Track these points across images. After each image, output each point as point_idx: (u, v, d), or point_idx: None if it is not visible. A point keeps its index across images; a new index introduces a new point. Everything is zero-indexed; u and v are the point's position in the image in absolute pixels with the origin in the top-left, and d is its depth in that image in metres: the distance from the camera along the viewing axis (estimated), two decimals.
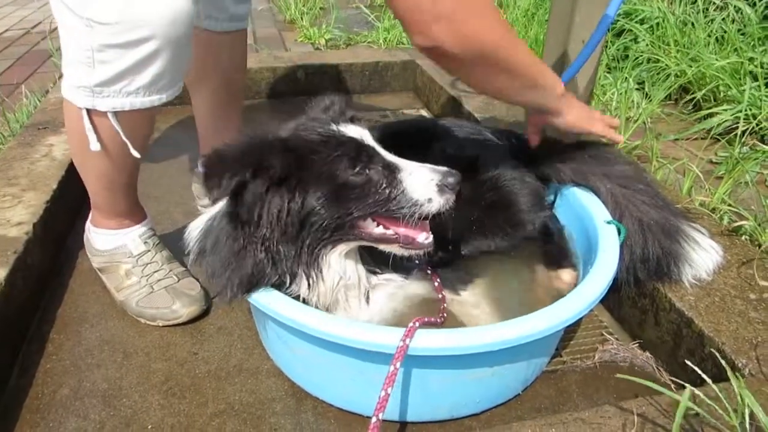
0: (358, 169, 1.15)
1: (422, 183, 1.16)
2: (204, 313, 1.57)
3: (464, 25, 1.14)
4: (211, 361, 1.44)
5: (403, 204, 1.16)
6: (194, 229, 1.35)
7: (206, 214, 1.35)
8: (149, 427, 1.27)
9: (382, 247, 1.23)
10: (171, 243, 1.70)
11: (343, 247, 1.21)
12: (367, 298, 1.27)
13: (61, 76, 2.90)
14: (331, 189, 1.14)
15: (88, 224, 1.64)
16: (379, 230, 1.20)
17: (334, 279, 1.21)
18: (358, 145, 1.18)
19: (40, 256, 1.65)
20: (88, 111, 1.31)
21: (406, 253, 1.23)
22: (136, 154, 1.39)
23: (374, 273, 1.29)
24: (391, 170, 1.18)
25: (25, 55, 3.60)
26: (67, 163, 1.98)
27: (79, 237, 1.69)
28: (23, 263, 1.53)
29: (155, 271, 1.58)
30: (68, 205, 1.92)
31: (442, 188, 1.16)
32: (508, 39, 1.23)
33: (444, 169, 1.18)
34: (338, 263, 1.21)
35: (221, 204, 1.24)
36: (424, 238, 1.21)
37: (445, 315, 1.30)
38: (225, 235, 1.19)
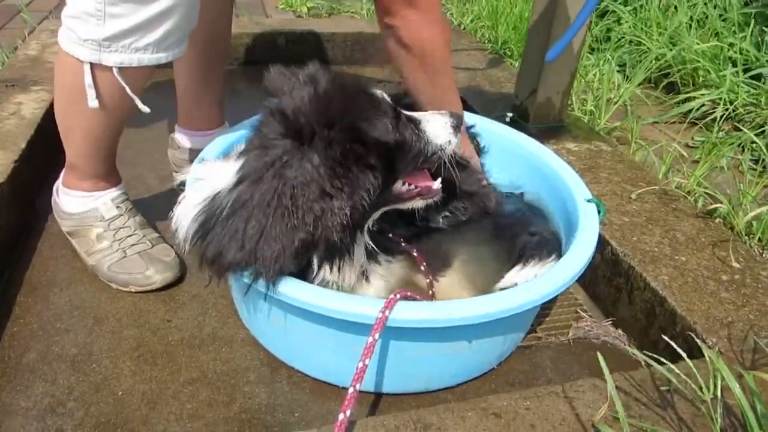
0: (398, 129, 1.15)
1: (441, 128, 1.22)
2: (178, 280, 1.54)
3: (429, 21, 1.35)
4: (185, 328, 1.42)
5: (431, 152, 1.21)
6: (184, 216, 1.17)
7: (195, 195, 1.17)
8: (120, 393, 1.25)
9: (409, 204, 1.25)
10: (145, 208, 1.66)
11: (371, 220, 1.21)
12: (367, 277, 1.25)
13: (31, 32, 2.81)
14: (384, 153, 1.12)
15: (57, 186, 1.59)
16: (406, 187, 1.23)
17: (360, 256, 1.20)
18: (388, 104, 1.17)
19: (7, 218, 1.59)
20: (92, 66, 1.27)
21: (423, 203, 1.27)
22: (145, 108, 1.37)
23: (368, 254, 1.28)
24: (415, 124, 1.20)
25: None
26: (36, 122, 1.90)
27: (49, 199, 1.64)
28: None
29: (128, 236, 1.54)
30: (37, 166, 1.85)
31: (455, 129, 1.23)
32: (448, 51, 1.47)
33: (447, 111, 1.26)
34: (366, 238, 1.21)
35: (227, 173, 1.13)
36: (437, 184, 1.27)
37: (433, 298, 1.30)
38: (270, 207, 1.05)
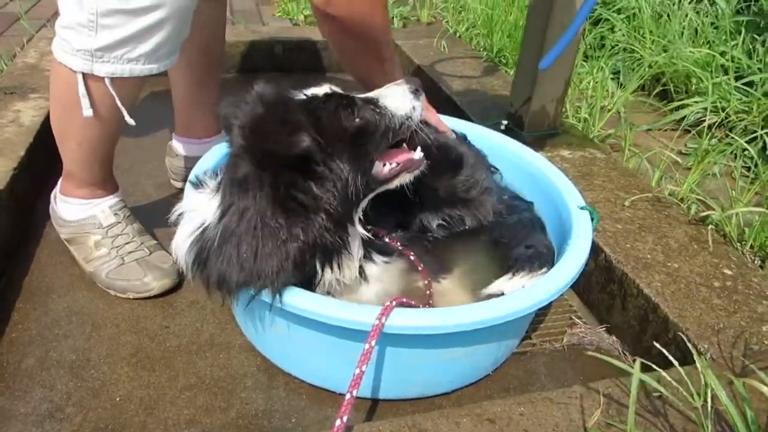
0: (355, 114, 1.16)
1: (401, 98, 1.22)
2: (176, 287, 1.55)
3: (357, 9, 1.33)
4: (182, 335, 1.43)
5: (398, 124, 1.21)
6: (180, 246, 1.20)
7: (187, 226, 1.20)
8: (117, 398, 1.26)
9: (395, 182, 1.26)
10: (142, 216, 1.67)
11: (361, 208, 1.22)
12: (365, 278, 1.26)
13: (29, 40, 2.82)
14: (347, 145, 1.13)
15: (55, 194, 1.60)
16: (387, 168, 1.23)
17: (357, 248, 1.21)
18: (338, 96, 1.18)
19: (6, 224, 1.60)
20: (84, 76, 1.29)
21: (412, 176, 1.27)
22: (131, 121, 1.38)
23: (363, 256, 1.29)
24: (373, 103, 1.21)
25: None
26: (35, 129, 1.92)
27: (47, 206, 1.65)
28: None
29: (126, 243, 1.55)
30: (36, 173, 1.86)
31: (415, 93, 1.23)
32: (386, 26, 1.45)
33: (401, 80, 1.26)
34: (359, 227, 1.22)
35: (210, 208, 1.16)
36: (418, 154, 1.27)
37: (431, 302, 1.31)
38: (258, 230, 1.08)
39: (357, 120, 1.16)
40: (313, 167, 1.09)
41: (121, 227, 1.56)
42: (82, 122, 1.36)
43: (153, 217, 1.70)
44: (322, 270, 1.14)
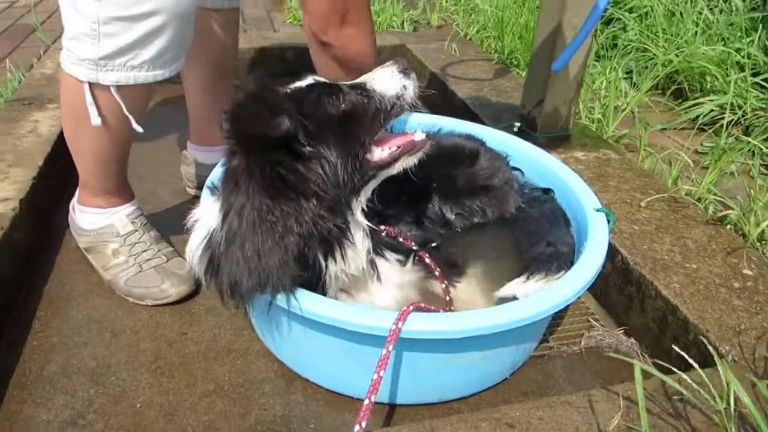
0: (340, 100, 1.16)
1: (388, 79, 1.23)
2: (193, 294, 1.56)
3: (363, 34, 1.45)
4: (200, 341, 1.44)
5: (389, 105, 1.21)
6: (193, 255, 1.22)
7: (196, 234, 1.22)
8: (138, 405, 1.27)
9: (397, 167, 1.24)
10: (159, 223, 1.69)
11: (363, 197, 1.21)
12: (378, 277, 1.26)
13: (46, 51, 2.86)
14: (335, 130, 1.14)
15: (73, 204, 1.62)
16: (386, 152, 1.23)
17: (362, 239, 1.20)
18: (322, 84, 1.19)
19: (26, 233, 1.63)
20: (91, 85, 1.31)
21: (415, 159, 1.26)
22: (138, 128, 1.39)
23: (376, 254, 1.29)
24: (360, 88, 1.21)
25: (9, 29, 3.51)
26: (53, 139, 1.95)
27: (66, 214, 1.67)
28: (9, 240, 1.51)
29: (143, 251, 1.56)
30: (55, 182, 1.89)
31: (404, 73, 1.23)
32: (374, 54, 1.52)
33: (389, 62, 1.26)
34: (363, 219, 1.21)
35: (215, 212, 1.17)
36: (420, 136, 1.27)
37: (452, 307, 1.31)
38: (257, 227, 1.08)
39: (343, 106, 1.16)
40: (299, 149, 1.09)
41: (139, 235, 1.57)
42: (92, 131, 1.38)
43: (169, 224, 1.72)
44: (326, 261, 1.14)
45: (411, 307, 1.10)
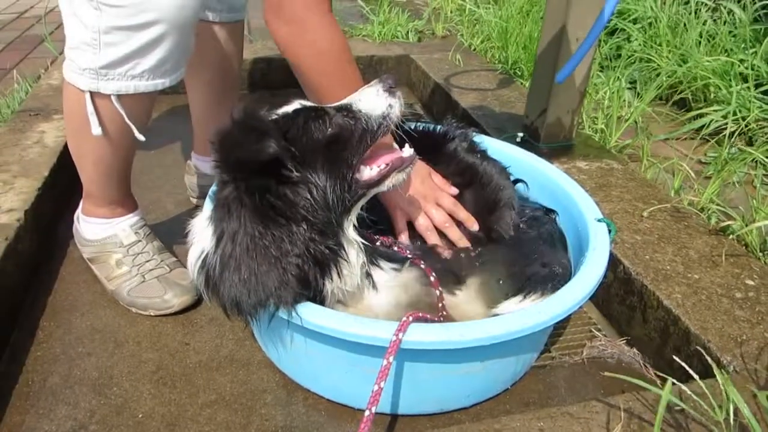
0: (327, 124, 1.17)
1: (374, 98, 1.22)
2: (195, 304, 1.57)
3: (301, 34, 1.29)
4: (203, 351, 1.44)
5: (376, 125, 1.20)
6: (192, 269, 1.22)
7: (193, 251, 1.22)
8: (140, 415, 1.27)
9: (387, 184, 1.25)
10: (163, 233, 1.70)
11: (354, 215, 1.22)
12: (374, 286, 1.26)
13: (53, 62, 2.89)
14: (323, 154, 1.14)
15: (77, 214, 1.64)
16: (374, 171, 1.23)
17: (356, 255, 1.20)
18: (308, 109, 1.20)
19: (30, 244, 1.64)
20: (92, 94, 1.32)
21: (405, 175, 1.27)
22: (140, 137, 1.40)
23: (371, 263, 1.30)
24: (346, 110, 1.21)
25: (17, 40, 3.56)
26: (58, 150, 1.97)
27: (71, 225, 1.69)
28: (14, 250, 1.52)
29: (147, 261, 1.57)
30: (60, 193, 1.91)
31: (389, 92, 1.22)
32: (334, 77, 1.33)
33: (376, 80, 1.24)
34: (355, 235, 1.21)
35: (206, 236, 1.18)
36: (407, 151, 1.28)
37: (444, 313, 1.30)
38: (251, 251, 1.10)
39: (329, 129, 1.17)
40: (286, 174, 1.10)
41: (142, 245, 1.58)
42: (94, 141, 1.39)
43: (173, 234, 1.73)
44: (323, 280, 1.15)
45: (411, 318, 1.10)
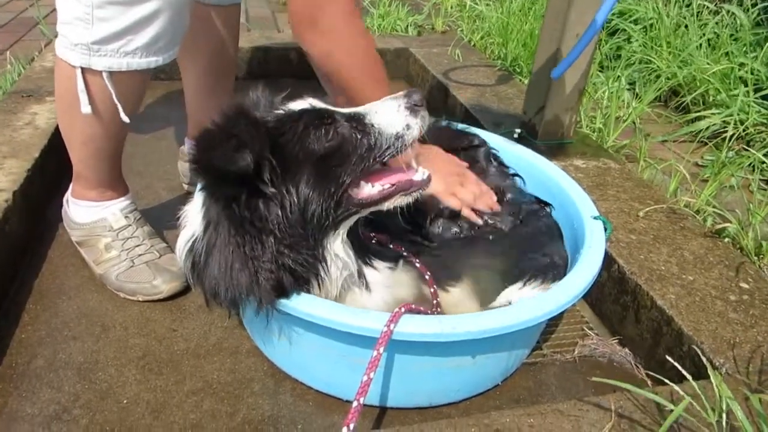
0: (329, 134, 1.09)
1: (392, 114, 1.12)
2: (184, 290, 1.55)
3: (337, 43, 1.29)
4: (190, 338, 1.43)
5: (385, 144, 1.10)
6: (179, 255, 1.20)
7: (182, 236, 1.20)
8: (124, 401, 1.25)
9: (386, 204, 1.17)
10: (154, 218, 1.68)
11: (344, 229, 1.15)
12: (367, 287, 1.23)
13: (47, 45, 2.86)
14: (313, 167, 1.08)
15: (67, 197, 1.61)
16: (376, 189, 1.15)
17: (339, 270, 1.15)
18: (315, 112, 1.12)
19: (19, 225, 1.61)
20: (83, 70, 1.30)
21: (410, 199, 1.18)
22: (125, 118, 1.37)
23: (365, 263, 1.28)
24: (357, 120, 1.13)
25: (11, 22, 3.51)
26: (50, 132, 1.94)
27: (59, 208, 1.66)
28: (1, 231, 1.50)
29: (136, 246, 1.55)
30: (50, 175, 1.88)
31: (412, 109, 1.12)
32: (365, 78, 1.33)
33: (403, 92, 1.14)
34: (341, 250, 1.15)
35: (198, 219, 1.15)
36: (421, 175, 1.18)
37: (439, 309, 1.29)
38: (228, 245, 1.07)
39: (328, 142, 1.08)
40: (260, 186, 1.05)
41: (132, 230, 1.56)
42: (84, 121, 1.37)
43: (164, 220, 1.71)
44: (300, 289, 1.11)
45: (403, 309, 1.08)
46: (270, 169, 1.04)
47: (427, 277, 1.34)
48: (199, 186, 1.28)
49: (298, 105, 1.15)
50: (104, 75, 1.30)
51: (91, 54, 1.27)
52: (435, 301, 1.31)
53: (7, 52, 2.68)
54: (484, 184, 1.50)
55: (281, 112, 1.13)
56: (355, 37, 1.32)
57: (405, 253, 1.35)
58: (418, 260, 1.35)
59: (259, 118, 1.10)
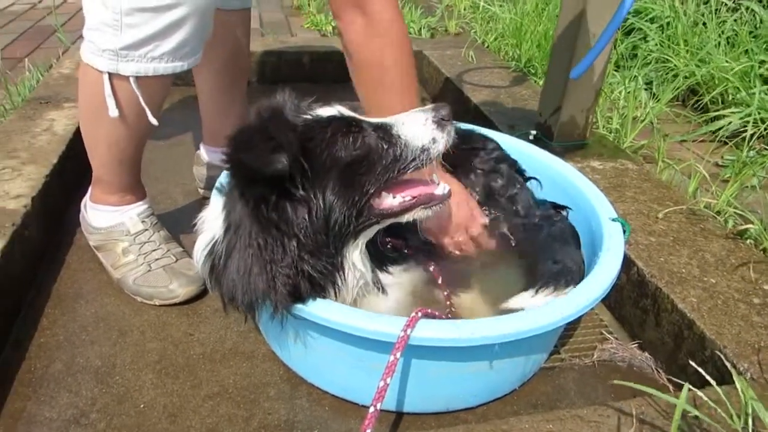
0: (356, 143, 1.09)
1: (419, 127, 1.13)
2: (201, 294, 1.55)
3: (376, 29, 1.27)
4: (206, 342, 1.43)
5: (410, 156, 1.11)
6: (198, 259, 1.21)
7: (201, 239, 1.21)
8: (141, 405, 1.26)
9: (406, 217, 1.17)
10: (170, 223, 1.68)
11: (363, 239, 1.15)
12: (383, 290, 1.23)
13: (65, 52, 2.89)
14: (339, 174, 1.08)
15: (85, 202, 1.63)
16: (397, 200, 1.15)
17: (356, 279, 1.15)
18: (343, 120, 1.12)
19: (37, 230, 1.63)
20: (110, 76, 1.31)
21: (430, 213, 1.18)
22: (154, 121, 1.39)
23: (380, 269, 1.27)
24: (385, 130, 1.13)
25: (30, 30, 3.56)
26: (68, 138, 1.96)
27: (77, 213, 1.67)
28: (21, 236, 1.51)
29: (153, 250, 1.56)
30: (68, 181, 1.90)
31: (439, 123, 1.13)
32: (400, 68, 1.31)
33: (431, 105, 1.15)
34: (359, 261, 1.15)
35: (218, 222, 1.15)
36: (442, 189, 1.19)
37: (453, 310, 1.27)
38: (248, 249, 1.07)
39: (355, 150, 1.09)
40: (291, 189, 1.05)
41: (149, 234, 1.57)
42: (109, 124, 1.38)
43: (180, 225, 1.71)
44: (316, 295, 1.10)
45: (419, 314, 1.07)
46: (302, 174, 1.05)
47: (439, 281, 1.33)
48: (217, 188, 1.28)
49: (326, 111, 1.15)
50: (131, 80, 1.31)
51: (119, 60, 1.29)
52: (448, 303, 1.30)
53: (26, 60, 2.71)
54: (482, 226, 1.45)
55: (309, 117, 1.13)
56: (396, 23, 1.29)
57: (418, 257, 1.34)
58: (432, 264, 1.34)
59: (295, 123, 1.10)
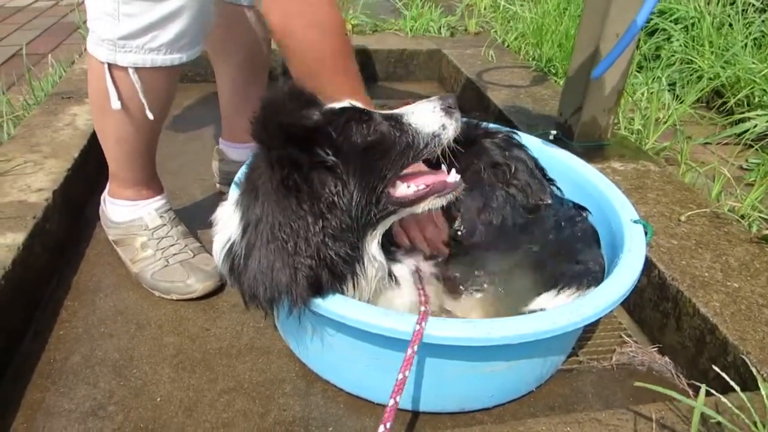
0: (369, 129, 1.11)
1: (428, 115, 1.15)
2: (218, 290, 1.56)
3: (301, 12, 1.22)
4: (223, 337, 1.43)
5: (423, 142, 1.13)
6: (217, 257, 1.21)
7: (219, 238, 1.21)
8: (158, 399, 1.26)
9: (422, 206, 1.18)
10: (188, 218, 1.69)
11: (381, 230, 1.16)
12: (397, 281, 1.22)
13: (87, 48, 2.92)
14: (358, 160, 1.09)
15: (104, 196, 1.64)
16: (412, 189, 1.16)
17: (375, 270, 1.15)
18: (356, 109, 1.14)
19: (58, 223, 1.65)
20: (110, 66, 1.32)
21: (444, 201, 1.19)
22: (150, 115, 1.38)
23: (392, 260, 1.26)
24: (395, 120, 1.15)
25: (53, 26, 3.61)
26: (89, 133, 1.98)
27: (97, 206, 1.69)
28: (42, 229, 1.53)
29: (171, 245, 1.57)
30: (89, 175, 1.92)
31: (447, 111, 1.15)
32: (330, 52, 1.29)
33: (436, 96, 1.18)
34: (378, 252, 1.15)
35: (233, 222, 1.15)
36: (454, 177, 1.20)
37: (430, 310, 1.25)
38: (271, 244, 1.07)
39: (370, 136, 1.10)
40: (322, 156, 1.05)
41: (167, 229, 1.58)
42: (115, 118, 1.39)
43: (198, 220, 1.72)
44: (336, 287, 1.10)
45: (429, 308, 1.07)
46: (331, 143, 1.06)
47: (420, 282, 1.29)
48: (236, 183, 1.28)
49: (338, 103, 1.16)
50: (130, 71, 1.32)
51: (117, 50, 1.29)
52: (423, 300, 1.25)
53: (49, 56, 2.74)
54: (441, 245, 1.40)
55: (323, 108, 1.14)
56: (325, 5, 1.24)
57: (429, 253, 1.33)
58: (421, 271, 1.31)
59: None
